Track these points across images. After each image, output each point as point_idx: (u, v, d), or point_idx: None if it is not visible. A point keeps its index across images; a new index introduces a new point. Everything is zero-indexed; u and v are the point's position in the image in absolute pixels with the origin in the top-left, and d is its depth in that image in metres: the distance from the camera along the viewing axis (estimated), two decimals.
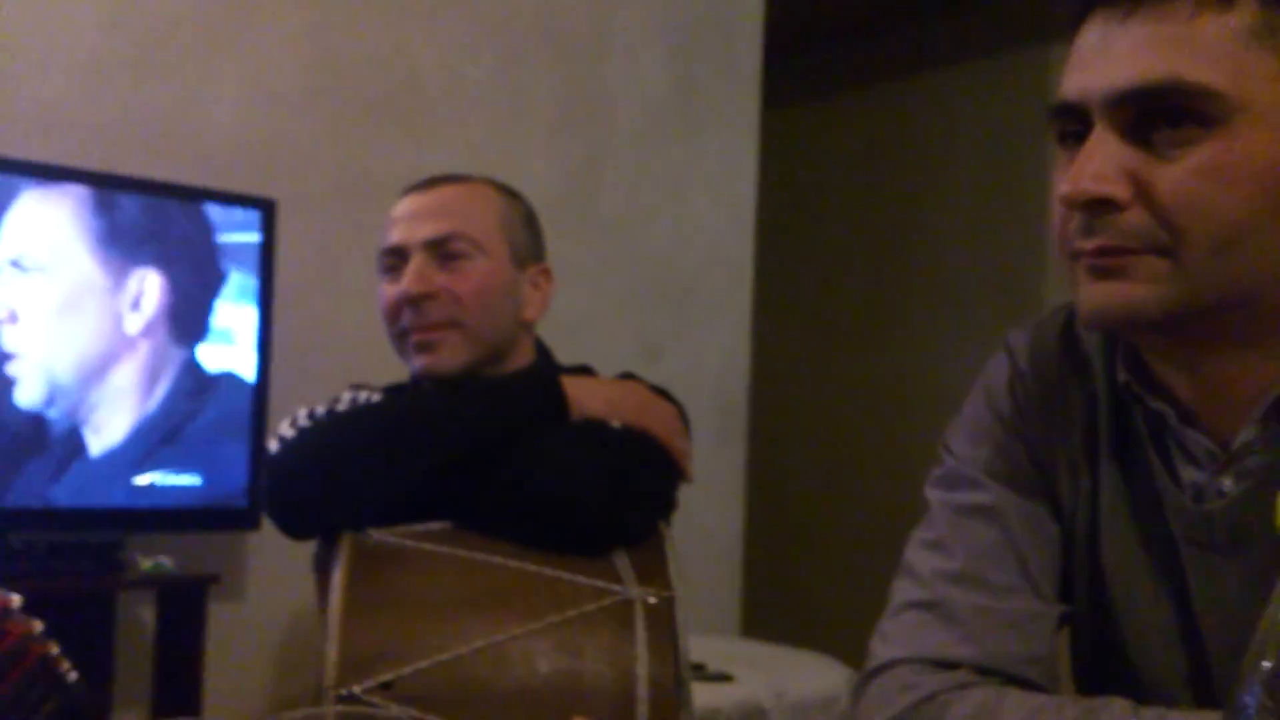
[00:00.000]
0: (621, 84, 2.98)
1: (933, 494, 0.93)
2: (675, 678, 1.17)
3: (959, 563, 0.87)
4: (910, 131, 4.03)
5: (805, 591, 4.05)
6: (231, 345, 2.22)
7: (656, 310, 3.02)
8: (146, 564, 2.15)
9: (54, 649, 0.84)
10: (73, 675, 0.85)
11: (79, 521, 2.09)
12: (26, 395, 2.01)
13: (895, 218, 4.07)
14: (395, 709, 1.06)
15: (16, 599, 0.84)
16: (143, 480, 2.11)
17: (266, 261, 2.26)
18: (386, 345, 1.47)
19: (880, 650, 0.86)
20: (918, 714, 0.81)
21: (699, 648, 1.60)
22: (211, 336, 2.19)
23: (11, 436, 2.00)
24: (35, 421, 2.02)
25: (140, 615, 2.25)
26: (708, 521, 2.97)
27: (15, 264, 2.02)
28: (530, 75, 2.83)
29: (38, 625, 0.84)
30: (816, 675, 2.43)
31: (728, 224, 3.17)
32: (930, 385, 3.72)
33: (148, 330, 2.13)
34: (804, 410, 4.23)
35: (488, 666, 1.13)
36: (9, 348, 2.00)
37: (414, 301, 1.41)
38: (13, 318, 2.00)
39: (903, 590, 0.89)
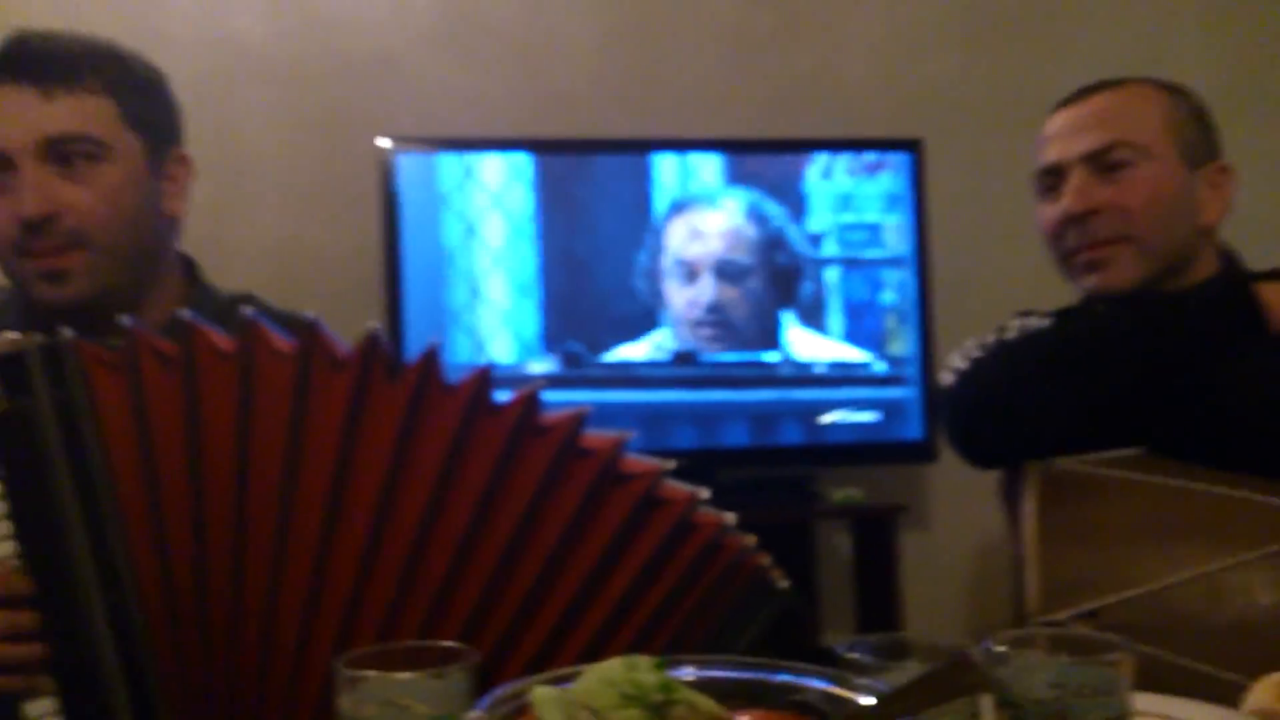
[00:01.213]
0: None
1: None
2: None
3: None
4: None
5: None
6: (892, 286, 2.30)
7: None
8: (838, 496, 2.32)
9: (765, 560, 0.94)
10: (783, 584, 0.94)
11: (776, 459, 2.31)
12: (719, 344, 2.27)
13: None
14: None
15: (729, 516, 0.94)
16: (829, 419, 2.29)
17: (917, 201, 2.31)
18: (1046, 271, 1.43)
19: None
20: None
21: None
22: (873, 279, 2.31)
23: (724, 385, 2.27)
24: (743, 367, 2.27)
25: (837, 544, 2.42)
26: None
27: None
28: None
29: (748, 539, 0.94)
30: None
31: None
32: None
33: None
34: None
35: (1199, 598, 1.07)
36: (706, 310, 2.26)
37: (1078, 219, 1.35)
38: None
39: None
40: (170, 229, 1.23)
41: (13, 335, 0.85)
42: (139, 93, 1.19)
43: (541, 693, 0.60)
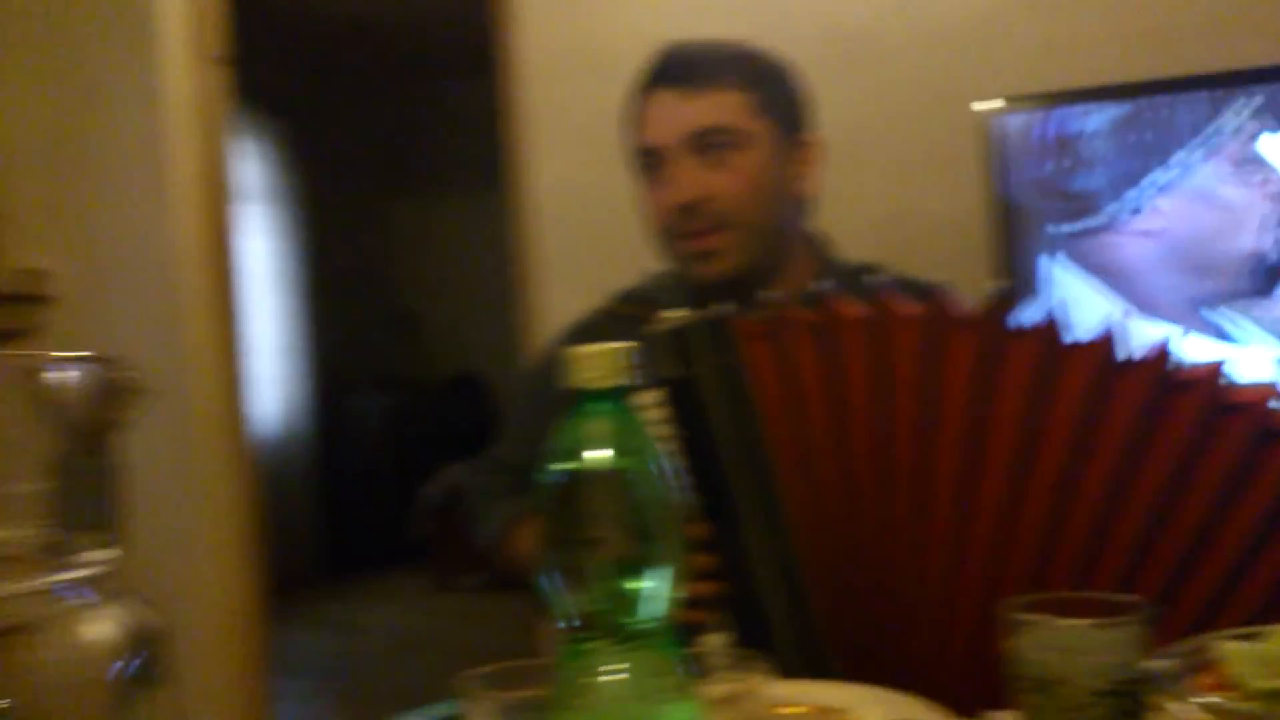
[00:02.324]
0: None
1: None
2: None
3: None
4: None
5: None
6: None
7: None
8: None
9: None
10: None
11: None
12: None
13: None
14: None
15: None
16: None
17: None
18: None
19: None
20: None
21: None
22: None
23: None
24: None
25: None
26: None
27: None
28: None
29: None
30: None
31: None
32: None
33: None
34: None
35: None
36: None
37: None
38: None
39: None
40: (800, 208, 1.33)
41: (680, 312, 0.98)
42: (769, 85, 1.30)
43: (1233, 647, 0.58)
